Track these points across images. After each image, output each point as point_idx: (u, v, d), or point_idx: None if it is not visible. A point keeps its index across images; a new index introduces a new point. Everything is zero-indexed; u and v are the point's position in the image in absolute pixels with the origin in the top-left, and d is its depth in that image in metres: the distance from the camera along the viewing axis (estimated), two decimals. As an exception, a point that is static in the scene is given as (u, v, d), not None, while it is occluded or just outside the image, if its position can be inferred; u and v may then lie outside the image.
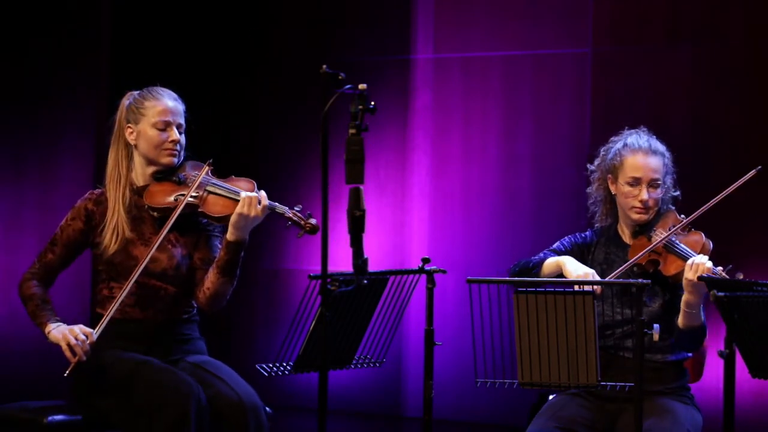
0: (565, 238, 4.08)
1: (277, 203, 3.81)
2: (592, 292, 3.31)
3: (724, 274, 3.69)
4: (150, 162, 3.91)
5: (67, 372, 3.69)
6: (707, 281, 3.54)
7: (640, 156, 3.94)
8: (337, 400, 5.77)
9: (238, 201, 3.78)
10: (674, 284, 3.87)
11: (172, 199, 3.85)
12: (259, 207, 3.76)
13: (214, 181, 3.88)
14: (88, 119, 6.09)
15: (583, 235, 4.07)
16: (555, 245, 4.05)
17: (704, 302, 3.91)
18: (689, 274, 3.69)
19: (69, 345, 3.69)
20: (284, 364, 3.41)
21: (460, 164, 6.23)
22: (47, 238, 4.05)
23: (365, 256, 3.06)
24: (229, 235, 3.78)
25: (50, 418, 3.72)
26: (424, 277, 3.49)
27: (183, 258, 3.89)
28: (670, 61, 5.79)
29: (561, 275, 3.87)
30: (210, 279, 3.83)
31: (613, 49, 5.92)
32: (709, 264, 3.69)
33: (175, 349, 3.89)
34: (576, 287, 3.56)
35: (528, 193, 6.09)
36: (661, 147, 4.00)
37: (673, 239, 3.87)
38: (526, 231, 6.07)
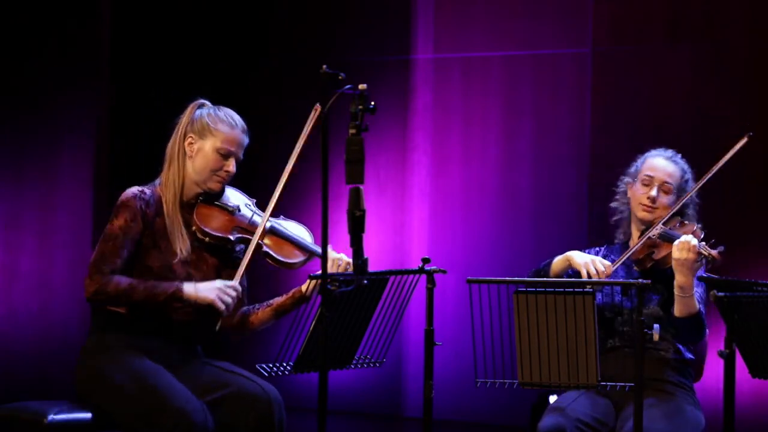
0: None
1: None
2: (593, 292, 3.31)
3: (709, 249, 3.74)
4: (197, 182, 3.85)
5: (219, 327, 3.75)
6: (707, 281, 3.54)
7: (660, 159, 4.13)
8: (337, 400, 5.76)
9: (303, 250, 3.85)
10: (670, 272, 3.89)
11: (228, 229, 3.83)
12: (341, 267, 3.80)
13: (275, 222, 3.89)
14: (88, 119, 6.09)
15: (596, 249, 4.20)
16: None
17: (705, 302, 3.93)
18: (676, 253, 3.78)
19: (223, 302, 3.72)
20: (284, 364, 3.41)
21: (460, 164, 6.23)
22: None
23: (365, 256, 3.07)
24: (307, 290, 3.83)
25: (50, 418, 3.71)
26: (424, 277, 3.49)
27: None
28: (670, 61, 5.79)
29: (570, 269, 3.95)
30: (260, 318, 3.93)
31: (613, 49, 5.91)
32: (694, 240, 3.75)
33: (182, 348, 3.88)
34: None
35: (528, 193, 6.09)
36: (684, 164, 4.17)
37: (669, 230, 3.94)
38: (526, 231, 6.07)
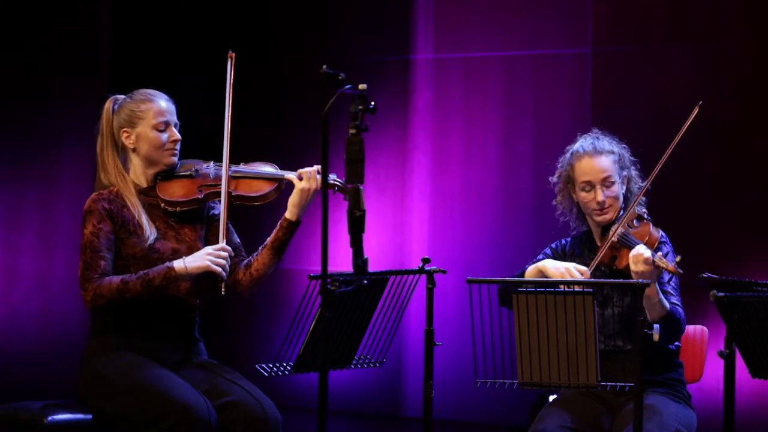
0: (546, 248, 4.10)
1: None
2: (593, 293, 3.31)
3: (665, 261, 3.63)
4: (151, 163, 3.92)
5: (223, 290, 3.76)
6: (707, 281, 3.53)
7: (586, 159, 3.96)
8: (337, 400, 5.77)
9: (270, 180, 3.87)
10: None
11: (194, 191, 3.89)
12: (319, 178, 3.81)
13: (236, 167, 3.93)
14: (88, 119, 6.09)
15: (563, 242, 4.10)
16: (538, 257, 4.06)
17: (677, 291, 3.86)
18: (632, 266, 3.67)
19: (218, 264, 3.73)
20: (284, 364, 3.41)
21: (460, 164, 6.23)
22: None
23: (365, 256, 3.06)
24: (290, 215, 3.86)
25: (50, 418, 3.71)
26: (424, 277, 3.49)
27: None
28: (670, 61, 5.79)
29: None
30: (261, 261, 3.90)
31: (613, 49, 5.92)
32: (647, 252, 3.65)
33: (183, 348, 3.89)
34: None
35: (528, 193, 6.09)
36: (607, 145, 4.00)
37: (627, 234, 3.85)
38: (526, 231, 6.07)
